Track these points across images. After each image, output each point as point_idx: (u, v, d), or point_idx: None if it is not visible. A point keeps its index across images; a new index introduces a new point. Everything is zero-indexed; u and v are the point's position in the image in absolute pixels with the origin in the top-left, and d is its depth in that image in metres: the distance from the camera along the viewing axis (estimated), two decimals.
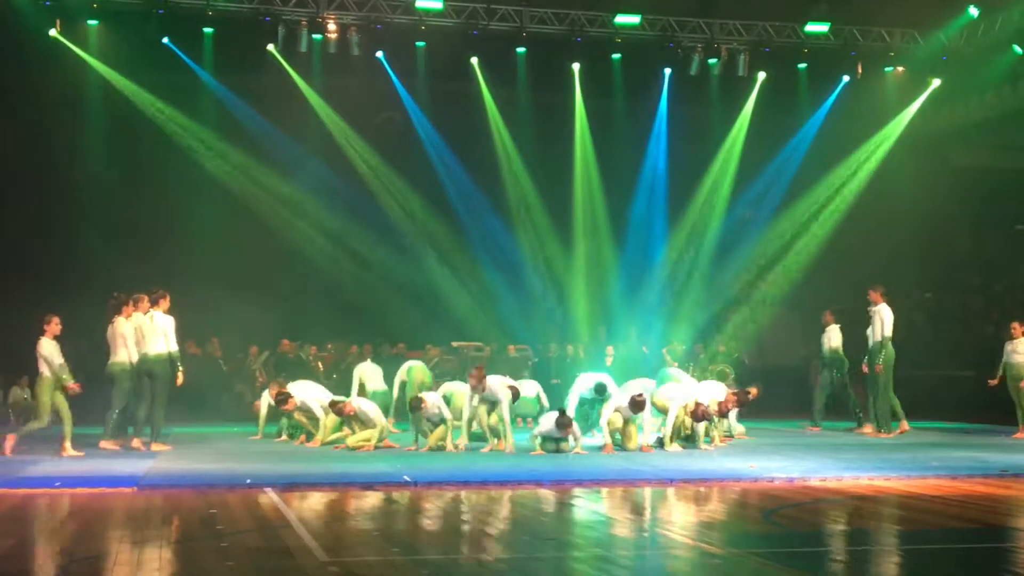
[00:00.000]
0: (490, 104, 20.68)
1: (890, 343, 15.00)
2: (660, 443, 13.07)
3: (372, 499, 9.49)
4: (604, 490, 10.04)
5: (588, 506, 9.35)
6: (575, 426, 12.69)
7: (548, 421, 12.63)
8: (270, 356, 18.86)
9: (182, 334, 13.58)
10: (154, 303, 13.13)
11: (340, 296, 19.90)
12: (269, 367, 18.56)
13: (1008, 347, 15.32)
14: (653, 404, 13.04)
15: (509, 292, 20.37)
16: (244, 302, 18.62)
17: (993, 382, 15.41)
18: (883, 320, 15.00)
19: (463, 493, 9.81)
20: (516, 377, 15.53)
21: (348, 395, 14.36)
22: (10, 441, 12.16)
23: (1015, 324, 15.38)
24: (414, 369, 15.74)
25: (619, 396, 12.93)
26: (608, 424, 12.84)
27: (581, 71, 20.53)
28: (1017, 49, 19.36)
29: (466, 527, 8.29)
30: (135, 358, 12.97)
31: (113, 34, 18.46)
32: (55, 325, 12.28)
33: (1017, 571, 6.83)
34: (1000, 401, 15.54)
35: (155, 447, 12.91)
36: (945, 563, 7.21)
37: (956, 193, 21.94)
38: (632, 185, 21.44)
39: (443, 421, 12.84)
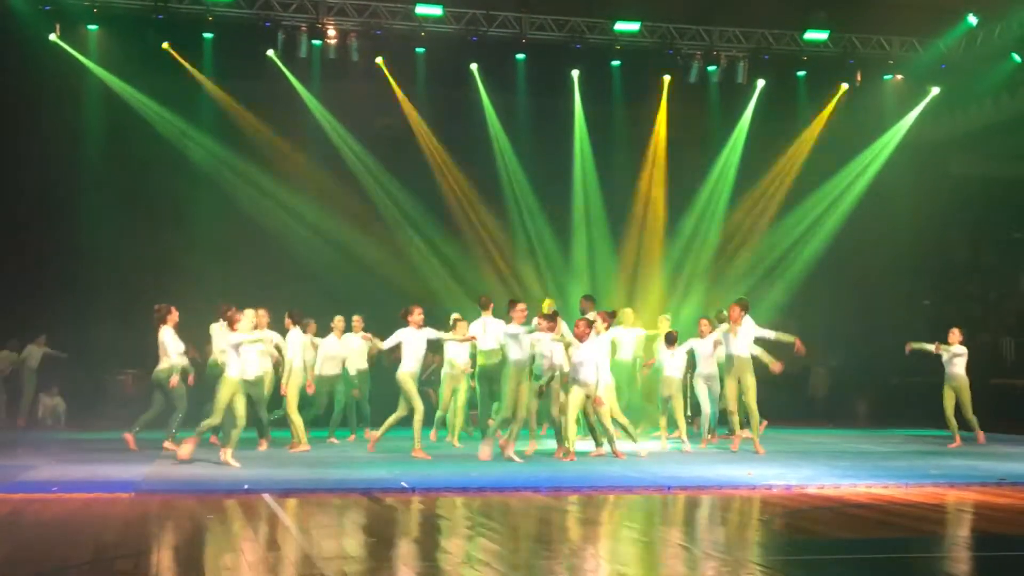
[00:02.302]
0: (489, 110, 20.67)
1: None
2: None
3: (369, 505, 9.49)
4: (600, 497, 10.04)
5: (584, 513, 9.34)
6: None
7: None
8: None
9: (185, 341, 13.68)
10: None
11: (339, 300, 19.86)
12: None
13: (944, 356, 14.86)
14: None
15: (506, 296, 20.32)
16: (243, 307, 18.56)
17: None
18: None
19: (460, 499, 9.81)
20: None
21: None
22: (189, 445, 12.09)
23: (953, 329, 14.95)
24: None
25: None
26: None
27: (580, 78, 20.53)
28: (1016, 57, 19.37)
29: (464, 533, 8.28)
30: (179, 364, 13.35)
31: (113, 39, 18.45)
32: (175, 314, 12.64)
33: None
34: (996, 409, 15.55)
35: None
36: (944, 571, 7.21)
37: (954, 201, 21.93)
38: (631, 192, 21.42)
39: None
